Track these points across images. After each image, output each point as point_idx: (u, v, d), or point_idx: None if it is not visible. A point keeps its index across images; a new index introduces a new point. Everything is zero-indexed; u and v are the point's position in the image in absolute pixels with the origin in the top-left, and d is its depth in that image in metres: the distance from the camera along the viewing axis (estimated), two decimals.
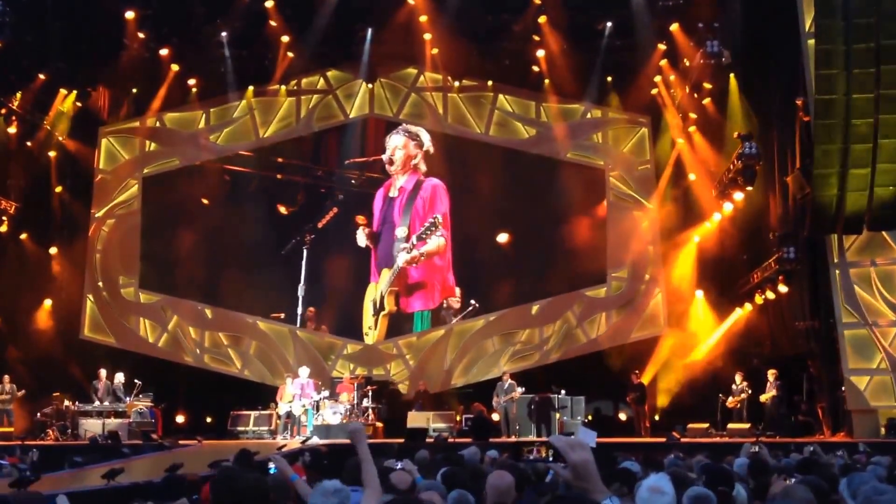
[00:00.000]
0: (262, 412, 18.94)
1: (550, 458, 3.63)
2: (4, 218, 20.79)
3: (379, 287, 20.60)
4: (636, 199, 21.13)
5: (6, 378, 18.89)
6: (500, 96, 21.77)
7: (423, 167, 21.01)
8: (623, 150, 21.41)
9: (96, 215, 22.00)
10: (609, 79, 21.11)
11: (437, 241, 20.51)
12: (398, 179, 21.03)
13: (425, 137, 21.08)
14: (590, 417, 18.49)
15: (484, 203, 21.18)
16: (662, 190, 20.90)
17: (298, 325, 20.94)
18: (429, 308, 20.91)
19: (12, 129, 21.20)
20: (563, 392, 18.33)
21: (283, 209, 21.80)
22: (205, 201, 21.92)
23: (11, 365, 19.30)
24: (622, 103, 21.24)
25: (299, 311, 20.87)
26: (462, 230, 21.08)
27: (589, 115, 21.57)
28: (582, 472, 3.44)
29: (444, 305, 20.75)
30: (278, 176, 22.13)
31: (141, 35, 20.36)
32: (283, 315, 21.21)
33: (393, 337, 20.86)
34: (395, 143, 21.06)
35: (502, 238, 20.92)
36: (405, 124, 21.35)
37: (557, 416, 18.02)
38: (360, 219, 21.15)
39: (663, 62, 20.36)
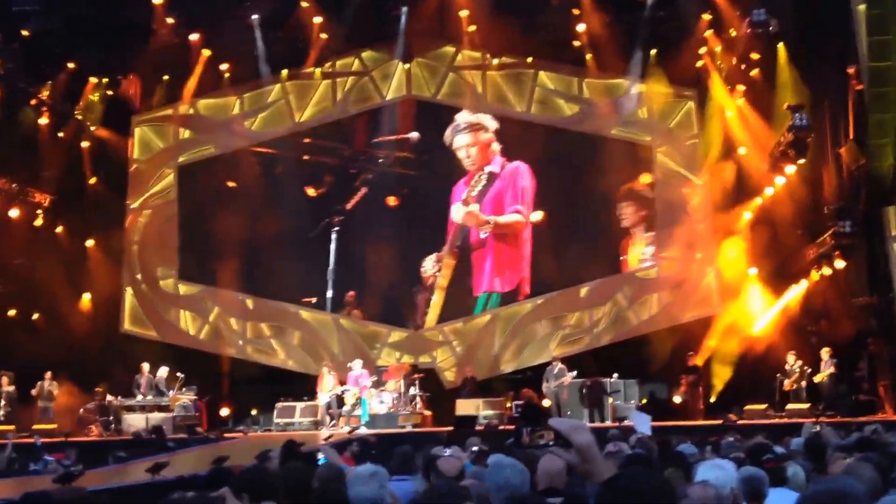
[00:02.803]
0: (308, 403, 19.13)
1: (551, 443, 3.67)
2: (39, 211, 21.18)
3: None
4: (684, 175, 21.03)
5: (47, 375, 19.24)
6: (541, 73, 21.76)
7: (497, 148, 21.02)
8: (669, 125, 21.31)
9: (132, 206, 22.37)
10: (653, 52, 20.97)
11: (513, 216, 20.58)
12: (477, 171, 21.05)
13: (487, 120, 21.09)
14: (644, 401, 18.44)
15: (543, 184, 21.13)
16: (711, 165, 20.73)
17: (330, 308, 21.21)
18: (498, 291, 20.91)
19: (43, 121, 21.53)
20: (615, 376, 18.32)
21: (311, 191, 21.96)
22: (231, 184, 22.18)
23: (52, 361, 19.57)
24: (667, 77, 21.04)
25: (329, 294, 21.16)
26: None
27: (633, 90, 21.37)
28: (586, 455, 3.47)
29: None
30: (305, 157, 22.32)
31: (170, 20, 20.56)
32: (314, 299, 21.46)
33: (449, 317, 20.97)
34: (462, 143, 21.07)
35: (536, 216, 20.83)
36: (461, 118, 21.17)
37: (610, 400, 18.04)
38: (392, 200, 21.22)
39: (708, 33, 20.27)
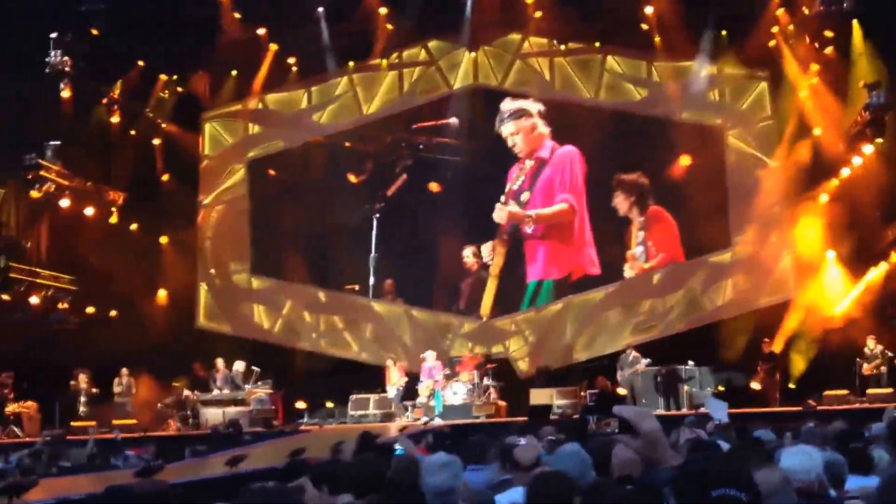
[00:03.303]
0: (381, 395, 19.30)
1: (617, 431, 3.69)
2: (113, 209, 21.58)
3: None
4: (758, 157, 20.74)
5: (124, 371, 19.63)
6: (609, 58, 21.59)
7: (545, 131, 20.96)
8: (741, 106, 21.02)
9: (203, 202, 22.72)
10: (723, 32, 20.69)
11: (559, 206, 20.54)
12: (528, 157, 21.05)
13: (528, 105, 21.05)
14: (720, 388, 18.26)
15: (597, 170, 21.03)
16: (786, 146, 20.41)
17: (371, 295, 21.47)
18: (547, 278, 20.90)
19: (115, 119, 21.89)
20: (690, 363, 18.19)
21: (353, 178, 22.06)
22: (300, 177, 22.25)
23: (129, 357, 19.97)
24: (738, 57, 20.75)
25: (371, 281, 21.37)
26: None
27: (703, 72, 21.11)
28: (652, 442, 3.46)
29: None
30: (346, 144, 22.46)
31: (237, 15, 20.80)
32: (357, 287, 21.69)
33: (505, 307, 20.97)
34: (508, 131, 21.06)
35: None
36: (505, 106, 21.15)
37: (685, 388, 17.92)
38: (433, 186, 21.31)
39: (780, 11, 19.97)
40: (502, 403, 18.66)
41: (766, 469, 4.82)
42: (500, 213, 20.77)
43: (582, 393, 18.83)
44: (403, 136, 22.17)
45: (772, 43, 20.35)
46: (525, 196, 20.89)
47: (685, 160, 20.80)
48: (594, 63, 21.62)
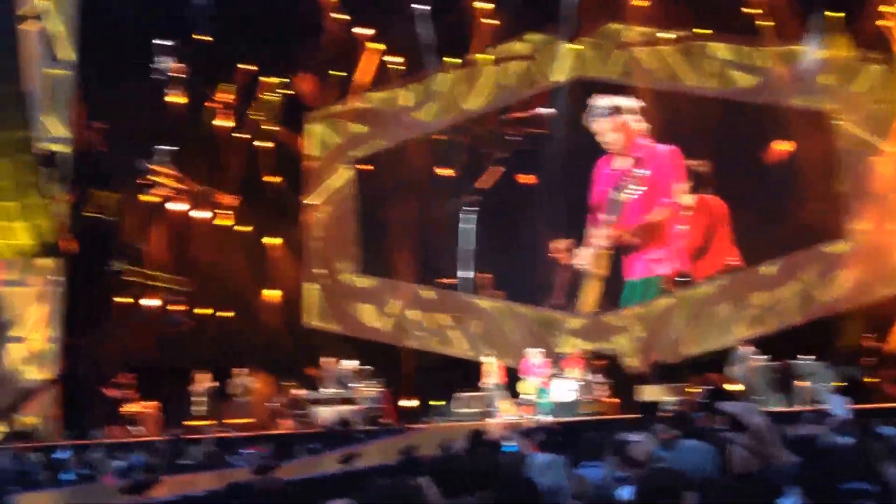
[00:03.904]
0: (486, 392, 19.35)
1: (726, 427, 3.65)
2: (223, 211, 22.15)
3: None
4: (871, 143, 20.19)
5: (241, 370, 20.07)
6: (715, 45, 21.22)
7: (640, 128, 20.73)
8: (854, 90, 20.46)
9: (310, 202, 23.15)
10: (833, 14, 20.19)
11: (661, 213, 20.35)
12: (621, 154, 20.83)
13: (627, 103, 20.78)
14: (839, 384, 17.83)
15: (703, 160, 20.74)
16: None
17: (468, 290, 21.61)
18: (649, 276, 20.71)
19: (222, 122, 22.38)
20: (807, 358, 17.83)
21: (445, 171, 22.19)
22: (376, 173, 22.49)
23: (243, 357, 20.44)
24: (849, 40, 20.23)
25: (461, 275, 21.50)
26: None
27: (813, 56, 20.64)
28: (763, 438, 3.47)
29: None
30: (444, 138, 22.57)
31: (338, 16, 21.11)
32: (453, 281, 21.84)
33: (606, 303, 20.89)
34: (600, 128, 20.84)
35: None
36: (596, 103, 20.87)
37: (802, 383, 17.56)
38: (527, 178, 21.30)
39: None
40: (611, 400, 18.56)
41: (893, 463, 4.77)
42: (601, 237, 20.53)
43: (693, 390, 18.58)
44: (496, 129, 22.17)
45: (884, 23, 19.90)
46: (622, 196, 20.65)
47: (783, 146, 20.40)
48: (699, 51, 21.33)
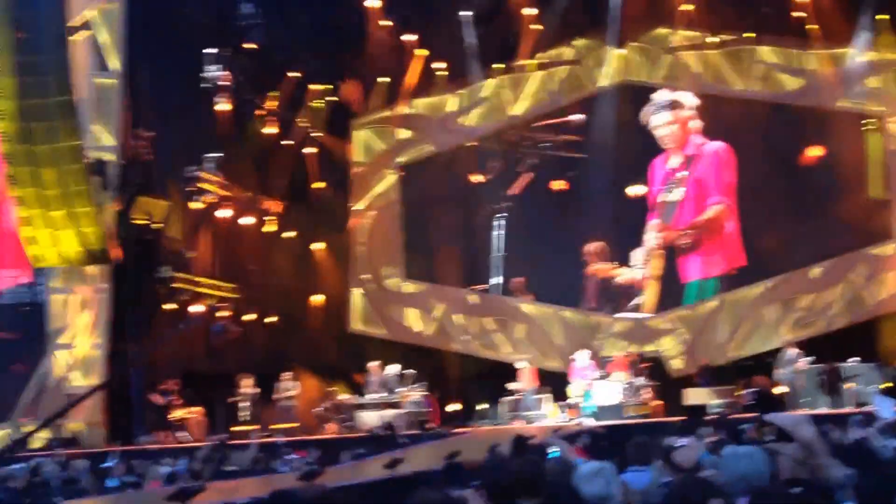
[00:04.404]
0: (517, 397, 19.24)
1: (772, 438, 3.53)
2: (270, 217, 22.23)
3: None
4: None
5: (287, 375, 20.08)
6: (761, 48, 20.97)
7: (698, 127, 20.53)
8: None
9: (356, 208, 23.13)
10: (882, 16, 19.85)
11: (714, 210, 20.13)
12: (675, 152, 20.63)
13: (686, 99, 20.60)
14: (887, 385, 17.52)
15: (749, 163, 20.47)
16: None
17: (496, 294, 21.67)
18: (709, 276, 20.46)
19: (270, 130, 22.46)
20: (854, 360, 17.54)
21: (479, 178, 22.16)
22: (423, 179, 22.50)
23: (289, 362, 20.46)
24: None
25: (492, 280, 21.56)
26: None
27: (861, 58, 20.31)
28: (812, 449, 3.34)
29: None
30: (477, 144, 22.62)
31: (385, 23, 21.13)
32: (487, 287, 21.84)
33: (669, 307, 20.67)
34: (660, 121, 20.66)
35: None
36: (656, 98, 20.78)
37: (849, 385, 17.26)
38: (558, 183, 21.21)
39: None
40: (657, 403, 18.34)
41: None
42: (653, 237, 20.36)
43: (739, 392, 18.34)
44: (528, 135, 22.12)
45: None
46: (675, 196, 20.46)
47: (826, 148, 20.04)
48: (745, 54, 21.04)
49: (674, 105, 20.61)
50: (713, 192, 20.30)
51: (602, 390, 18.10)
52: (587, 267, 20.99)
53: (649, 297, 20.55)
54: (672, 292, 20.67)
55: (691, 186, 20.45)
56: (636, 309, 20.65)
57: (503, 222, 21.47)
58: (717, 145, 20.45)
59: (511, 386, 19.42)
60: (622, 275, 20.76)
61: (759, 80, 20.94)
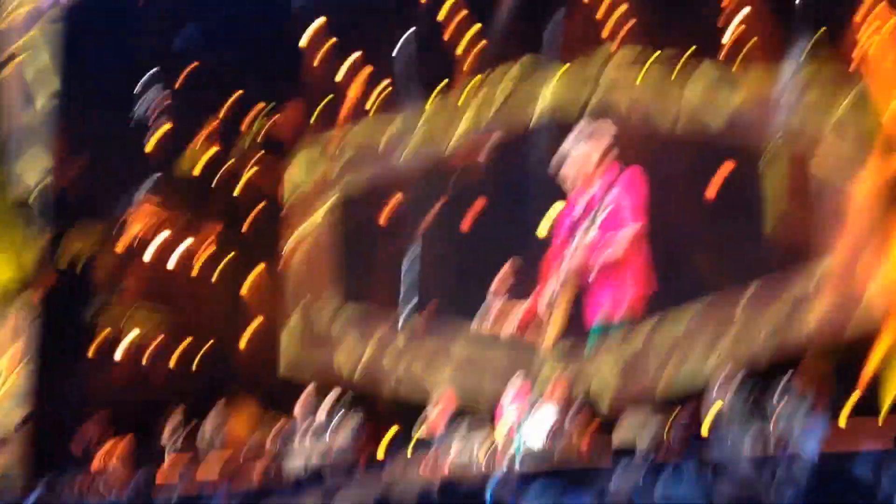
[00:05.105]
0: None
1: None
2: (209, 243, 21.69)
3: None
4: (851, 166, 19.42)
5: (221, 404, 19.45)
6: (701, 66, 20.52)
7: (615, 155, 19.74)
8: (833, 113, 19.66)
9: (292, 234, 22.56)
10: (813, 33, 19.37)
11: (623, 239, 19.19)
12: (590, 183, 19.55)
13: (605, 127, 19.57)
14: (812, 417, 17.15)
15: (670, 186, 19.69)
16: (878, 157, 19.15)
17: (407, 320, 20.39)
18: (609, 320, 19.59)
19: (207, 153, 21.89)
20: (783, 386, 17.12)
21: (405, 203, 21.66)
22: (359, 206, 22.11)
23: (226, 391, 19.95)
24: (830, 61, 19.47)
25: (405, 309, 20.34)
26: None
27: (793, 78, 19.92)
28: (748, 482, 2.90)
29: None
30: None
31: (327, 41, 20.65)
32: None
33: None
34: (580, 152, 19.31)
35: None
36: (580, 126, 19.74)
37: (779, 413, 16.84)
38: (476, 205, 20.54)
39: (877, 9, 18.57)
40: (587, 441, 17.71)
41: None
42: (558, 281, 18.97)
43: (670, 425, 17.82)
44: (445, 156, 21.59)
45: (864, 43, 19.21)
46: (590, 226, 19.48)
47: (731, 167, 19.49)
48: (682, 76, 20.65)
49: (590, 136, 19.30)
50: (626, 221, 18.99)
51: (532, 429, 17.29)
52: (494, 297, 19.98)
53: (553, 333, 19.17)
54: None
55: (608, 215, 19.56)
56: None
57: (418, 249, 20.95)
58: (629, 170, 19.17)
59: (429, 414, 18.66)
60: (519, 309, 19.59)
61: (696, 100, 20.53)
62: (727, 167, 19.68)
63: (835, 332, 18.88)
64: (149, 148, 20.71)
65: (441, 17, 20.13)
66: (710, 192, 19.52)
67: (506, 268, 19.65)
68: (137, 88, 20.60)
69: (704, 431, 17.04)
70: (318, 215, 22.59)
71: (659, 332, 19.83)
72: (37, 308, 18.91)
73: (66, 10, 19.22)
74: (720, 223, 19.78)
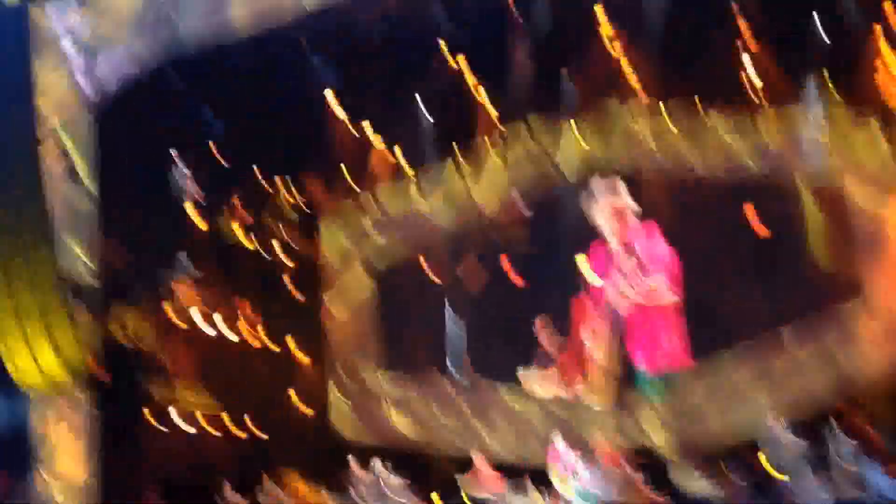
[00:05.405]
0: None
1: None
2: (247, 318, 21.68)
3: None
4: (879, 203, 19.46)
5: (271, 480, 19.37)
6: (712, 113, 20.62)
7: (635, 210, 19.46)
8: (854, 150, 19.74)
9: (328, 304, 22.70)
10: (826, 74, 19.56)
11: (653, 284, 18.96)
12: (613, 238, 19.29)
13: (621, 184, 19.22)
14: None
15: (700, 231, 19.67)
16: None
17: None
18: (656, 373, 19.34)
19: (238, 230, 21.99)
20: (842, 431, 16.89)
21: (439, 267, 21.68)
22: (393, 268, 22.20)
23: (273, 466, 19.89)
24: (846, 100, 19.60)
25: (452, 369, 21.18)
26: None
27: (811, 119, 19.98)
28: None
29: None
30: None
31: (341, 111, 20.79)
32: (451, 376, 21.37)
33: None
34: (598, 210, 19.03)
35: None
36: (595, 185, 19.24)
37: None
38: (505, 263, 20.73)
39: (882, 44, 18.52)
40: (649, 494, 17.58)
41: None
42: (600, 325, 18.54)
43: (732, 476, 17.50)
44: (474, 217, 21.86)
45: (881, 79, 19.24)
46: (625, 276, 19.26)
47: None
48: (697, 124, 20.71)
49: (611, 192, 18.87)
50: (653, 271, 18.64)
51: (588, 478, 17.32)
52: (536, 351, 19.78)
53: (596, 384, 18.72)
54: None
55: (641, 266, 19.45)
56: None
57: (456, 310, 21.13)
58: (646, 225, 18.75)
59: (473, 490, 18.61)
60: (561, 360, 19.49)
61: (713, 149, 20.58)
62: (757, 208, 19.86)
63: (888, 369, 18.85)
64: (185, 223, 20.81)
65: (458, 76, 20.22)
66: (745, 234, 19.71)
67: (541, 323, 19.95)
68: (170, 166, 20.72)
69: (764, 478, 16.91)
70: (355, 277, 22.63)
71: (707, 378, 19.98)
72: (89, 387, 18.94)
73: (101, 91, 19.39)
74: (759, 264, 19.87)
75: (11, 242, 17.99)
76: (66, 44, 19.27)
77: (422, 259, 22.21)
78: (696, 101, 20.36)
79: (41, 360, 18.71)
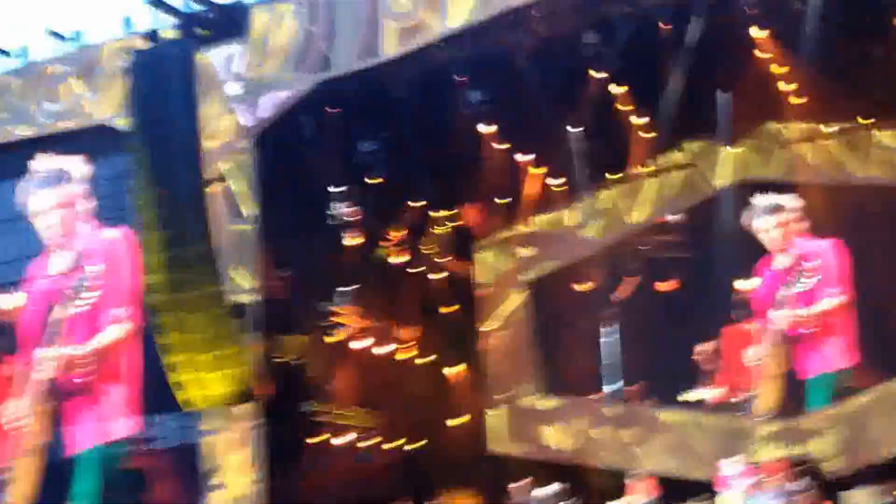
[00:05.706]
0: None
1: None
2: (407, 344, 21.95)
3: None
4: None
5: (435, 500, 19.46)
6: (880, 132, 19.91)
7: (804, 226, 18.94)
8: None
9: (485, 329, 22.62)
10: None
11: (829, 302, 18.36)
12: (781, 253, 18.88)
13: (788, 201, 18.74)
14: None
15: (872, 250, 18.94)
16: None
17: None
18: (827, 371, 18.71)
19: (397, 259, 22.32)
20: None
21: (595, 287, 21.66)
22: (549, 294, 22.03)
23: (436, 486, 19.96)
24: None
25: (607, 389, 20.87)
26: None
27: None
28: None
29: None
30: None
31: (498, 146, 20.94)
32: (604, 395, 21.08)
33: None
34: (762, 226, 18.48)
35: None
36: (756, 202, 18.73)
37: None
38: (664, 285, 20.57)
39: None
40: None
41: None
42: (780, 320, 18.07)
43: None
44: (628, 240, 21.69)
45: None
46: (792, 291, 18.63)
47: None
48: (863, 141, 20.02)
49: (776, 209, 18.46)
50: (828, 286, 18.11)
51: (759, 499, 16.77)
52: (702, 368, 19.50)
53: (765, 396, 18.33)
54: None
55: (808, 284, 18.81)
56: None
57: (610, 330, 20.84)
58: (827, 242, 18.28)
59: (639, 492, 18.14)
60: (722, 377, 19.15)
61: (881, 166, 19.85)
62: None
63: None
64: (344, 250, 21.29)
65: (610, 105, 20.15)
66: None
67: (702, 349, 19.55)
68: (329, 204, 21.24)
69: None
70: (510, 306, 22.65)
71: (879, 389, 19.00)
72: (256, 411, 19.45)
73: (262, 129, 20.07)
74: None
75: (183, 280, 18.63)
76: (231, 85, 20.06)
77: (576, 279, 22.15)
78: (857, 118, 19.89)
79: (211, 387, 19.28)
